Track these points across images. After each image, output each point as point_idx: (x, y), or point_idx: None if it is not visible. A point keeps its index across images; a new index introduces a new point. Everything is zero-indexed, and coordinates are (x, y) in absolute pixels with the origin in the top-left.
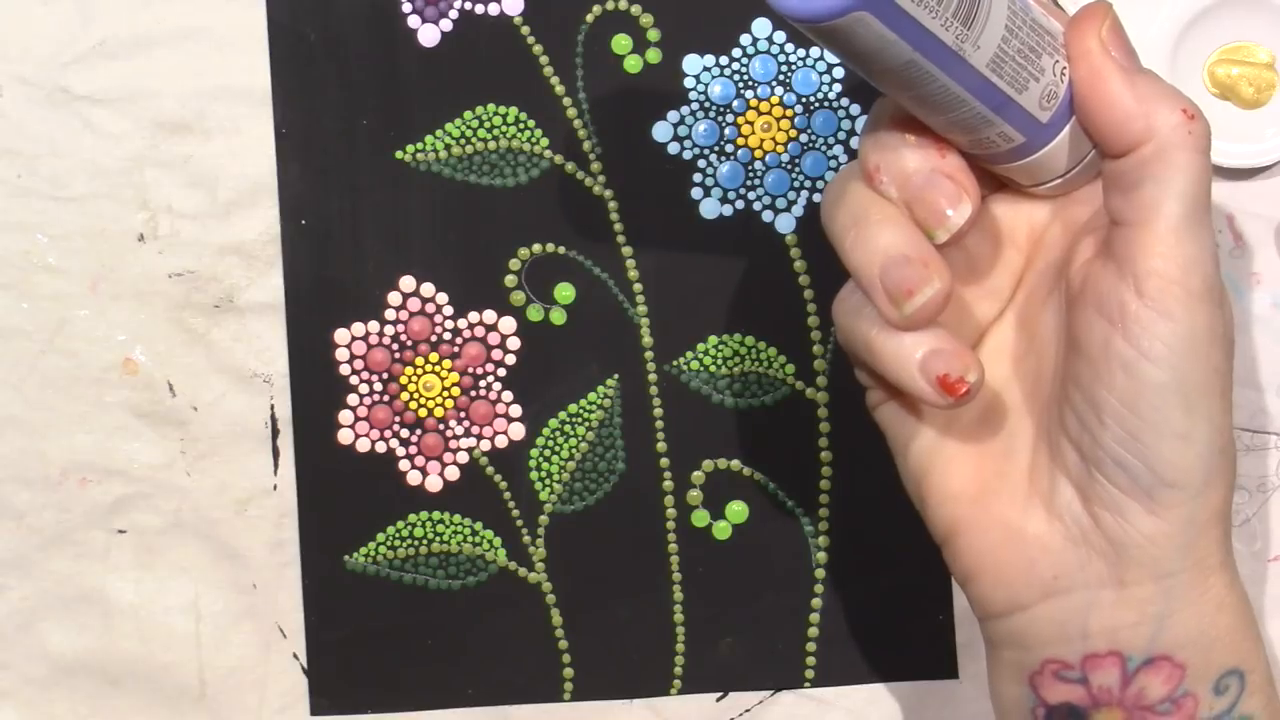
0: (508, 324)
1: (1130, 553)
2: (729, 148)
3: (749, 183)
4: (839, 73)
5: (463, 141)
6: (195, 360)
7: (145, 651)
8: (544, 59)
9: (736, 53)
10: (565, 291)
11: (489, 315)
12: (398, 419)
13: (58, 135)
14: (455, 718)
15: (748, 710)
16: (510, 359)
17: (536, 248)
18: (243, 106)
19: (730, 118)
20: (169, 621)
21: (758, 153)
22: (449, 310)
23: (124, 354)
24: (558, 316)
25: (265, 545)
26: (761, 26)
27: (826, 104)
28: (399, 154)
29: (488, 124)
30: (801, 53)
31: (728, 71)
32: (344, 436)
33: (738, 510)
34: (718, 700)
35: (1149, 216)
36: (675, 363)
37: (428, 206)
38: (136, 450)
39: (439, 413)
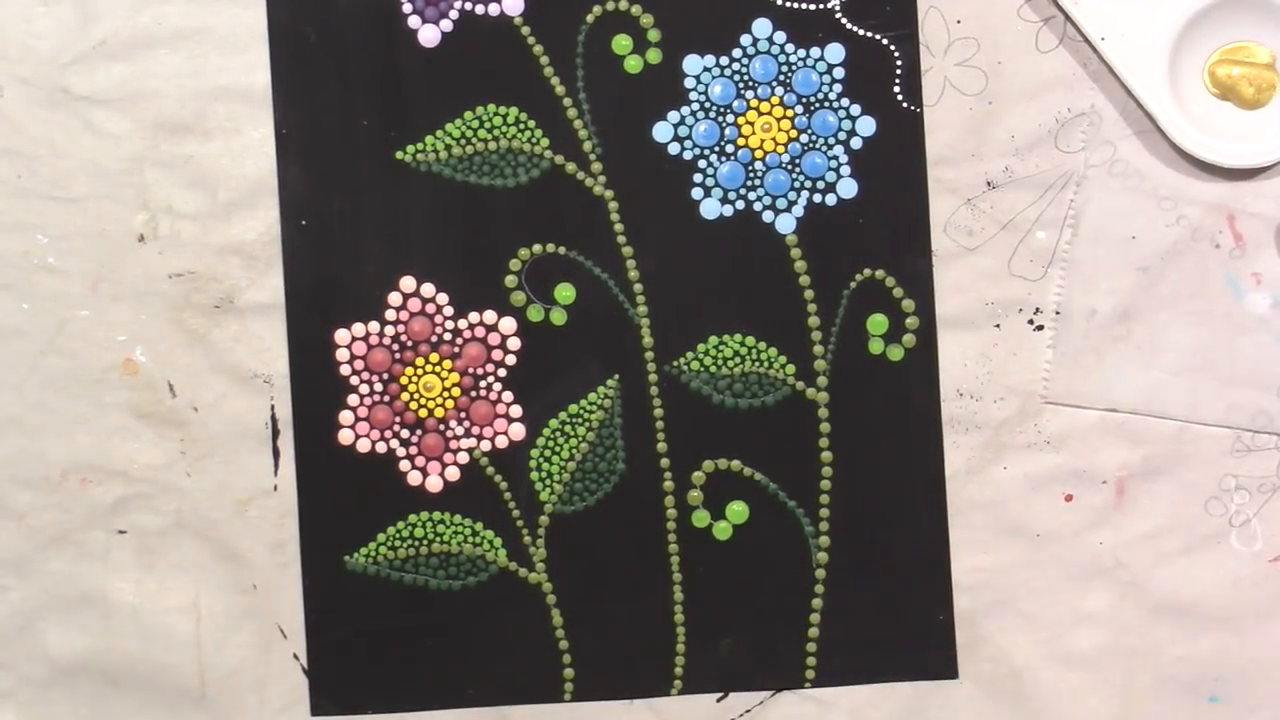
0: (508, 324)
1: None
2: (729, 148)
3: (749, 183)
4: (839, 73)
5: (463, 142)
6: (195, 361)
7: (145, 652)
8: (544, 59)
9: (736, 53)
10: (565, 291)
11: (489, 315)
12: (398, 419)
13: (58, 135)
14: (455, 718)
15: (748, 710)
16: (510, 359)
17: (536, 248)
18: (243, 106)
19: (730, 118)
20: (169, 622)
21: (758, 153)
22: (449, 310)
23: (124, 354)
24: (558, 316)
25: (265, 545)
26: (762, 27)
27: (826, 104)
28: (399, 154)
29: (488, 124)
30: (801, 53)
31: (728, 72)
32: (344, 437)
33: (738, 510)
34: (718, 700)
35: None
36: (675, 363)
37: (428, 206)
38: (136, 451)
39: (439, 413)
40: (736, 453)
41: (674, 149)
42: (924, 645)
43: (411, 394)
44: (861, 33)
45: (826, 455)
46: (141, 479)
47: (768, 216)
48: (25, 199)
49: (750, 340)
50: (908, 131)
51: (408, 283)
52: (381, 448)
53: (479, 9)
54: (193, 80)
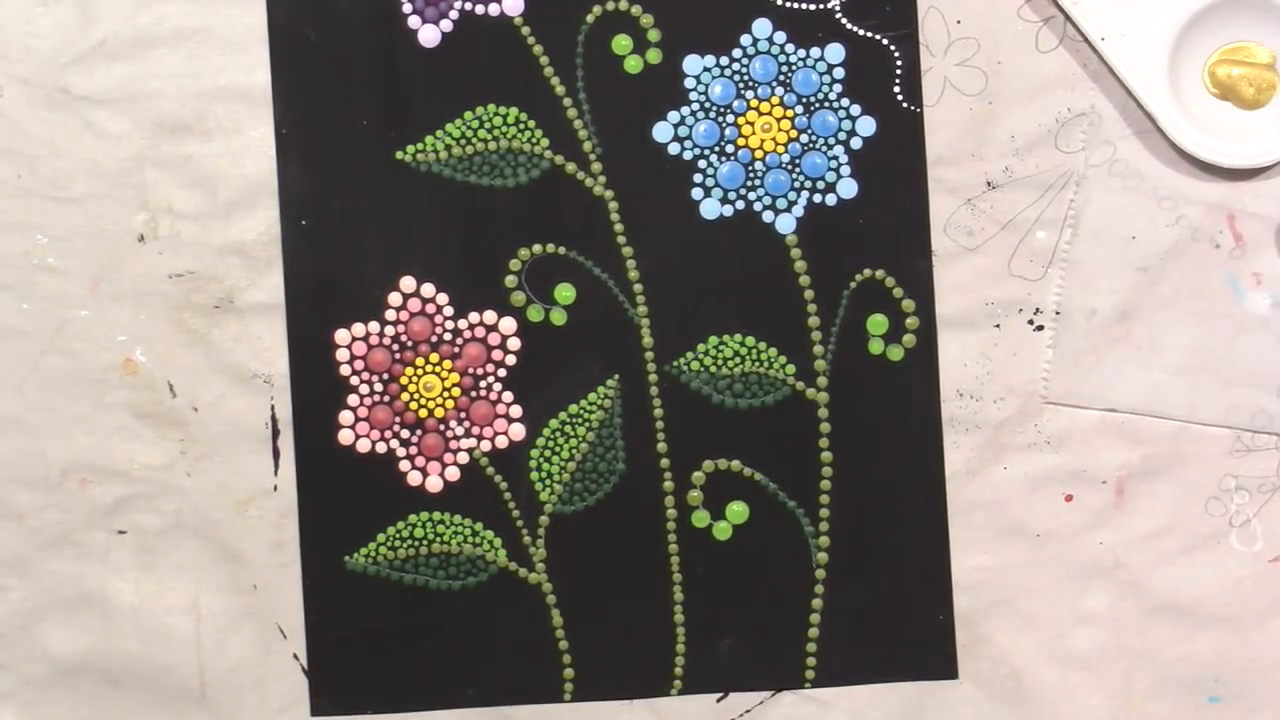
0: (508, 324)
1: None
2: (729, 148)
3: (749, 183)
4: (839, 73)
5: (463, 142)
6: (195, 361)
7: (145, 652)
8: (544, 59)
9: (736, 53)
10: (565, 291)
11: (489, 315)
12: (398, 419)
13: (58, 135)
14: (455, 718)
15: (748, 711)
16: (510, 359)
17: (536, 248)
18: (243, 106)
19: (730, 118)
20: (169, 622)
21: (758, 153)
22: (449, 310)
23: (124, 354)
24: (558, 317)
25: (265, 545)
26: (762, 27)
27: (826, 104)
28: (399, 154)
29: (488, 124)
30: (801, 53)
31: (728, 72)
32: (344, 437)
33: (738, 510)
34: (718, 700)
35: None
36: (675, 363)
37: (428, 206)
38: (136, 451)
39: (439, 413)
40: (736, 453)
41: (674, 149)
42: (924, 645)
43: (411, 394)
44: (861, 33)
45: (826, 455)
46: (141, 479)
47: (768, 216)
48: (25, 199)
49: (750, 340)
50: (908, 131)
51: (408, 283)
52: (381, 448)
53: (479, 9)
54: (193, 80)
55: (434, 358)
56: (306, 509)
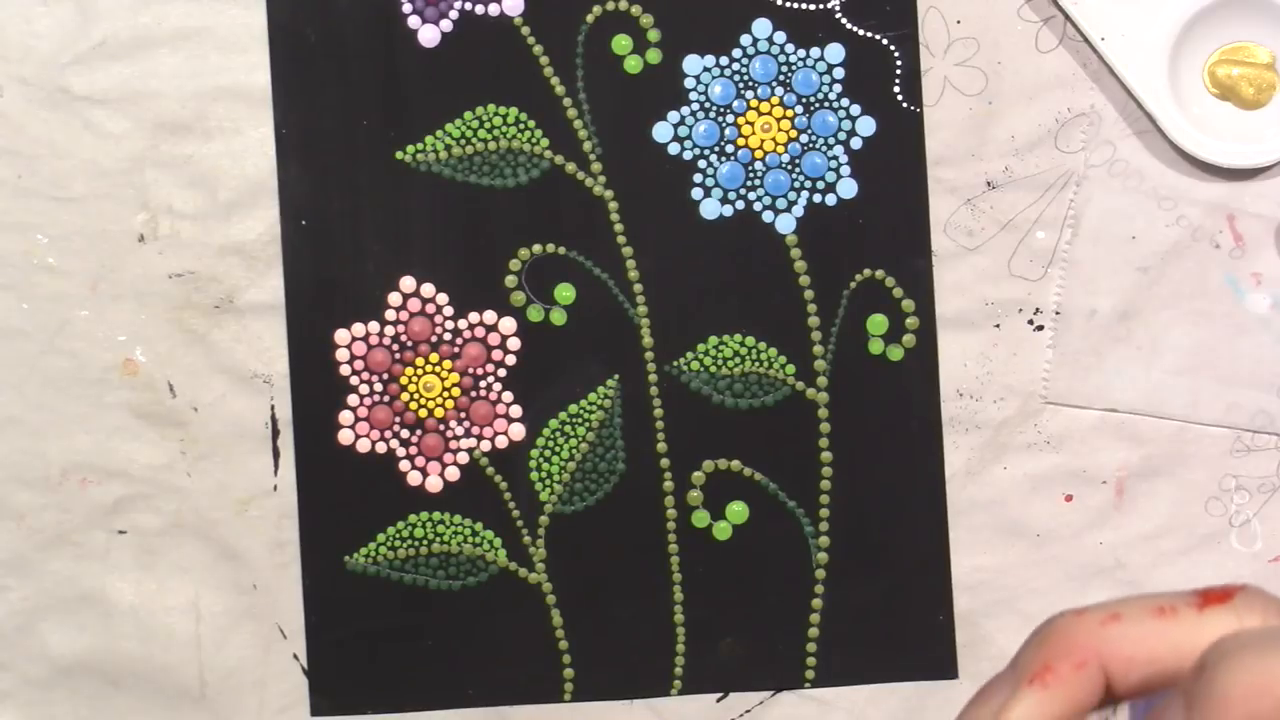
0: (508, 324)
1: None
2: (729, 148)
3: (749, 183)
4: (839, 73)
5: (463, 142)
6: (195, 360)
7: (145, 652)
8: (544, 59)
9: (736, 53)
10: (565, 291)
11: (489, 315)
12: (398, 419)
13: (58, 136)
14: (455, 718)
15: (748, 711)
16: (510, 359)
17: (536, 248)
18: (243, 106)
19: (730, 118)
20: (169, 622)
21: (758, 153)
22: (449, 311)
23: (124, 354)
24: (558, 317)
25: (265, 546)
26: (762, 27)
27: (826, 104)
28: (399, 154)
29: (488, 124)
30: (801, 53)
31: (728, 72)
32: (344, 437)
33: (738, 510)
34: (718, 700)
35: None
36: (675, 363)
37: (428, 206)
38: (136, 450)
39: (439, 413)
40: (736, 453)
41: (674, 149)
42: (924, 645)
43: (411, 394)
44: (861, 33)
45: (826, 455)
46: (141, 479)
47: (768, 216)
48: (25, 199)
49: (750, 340)
50: (908, 131)
51: (408, 283)
52: (381, 448)
53: (479, 9)
54: (193, 80)
55: (434, 358)
56: (306, 509)
